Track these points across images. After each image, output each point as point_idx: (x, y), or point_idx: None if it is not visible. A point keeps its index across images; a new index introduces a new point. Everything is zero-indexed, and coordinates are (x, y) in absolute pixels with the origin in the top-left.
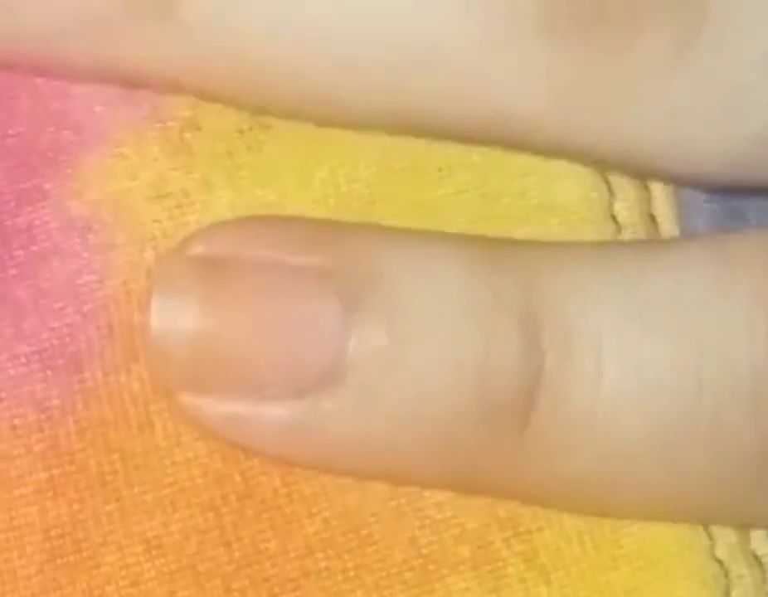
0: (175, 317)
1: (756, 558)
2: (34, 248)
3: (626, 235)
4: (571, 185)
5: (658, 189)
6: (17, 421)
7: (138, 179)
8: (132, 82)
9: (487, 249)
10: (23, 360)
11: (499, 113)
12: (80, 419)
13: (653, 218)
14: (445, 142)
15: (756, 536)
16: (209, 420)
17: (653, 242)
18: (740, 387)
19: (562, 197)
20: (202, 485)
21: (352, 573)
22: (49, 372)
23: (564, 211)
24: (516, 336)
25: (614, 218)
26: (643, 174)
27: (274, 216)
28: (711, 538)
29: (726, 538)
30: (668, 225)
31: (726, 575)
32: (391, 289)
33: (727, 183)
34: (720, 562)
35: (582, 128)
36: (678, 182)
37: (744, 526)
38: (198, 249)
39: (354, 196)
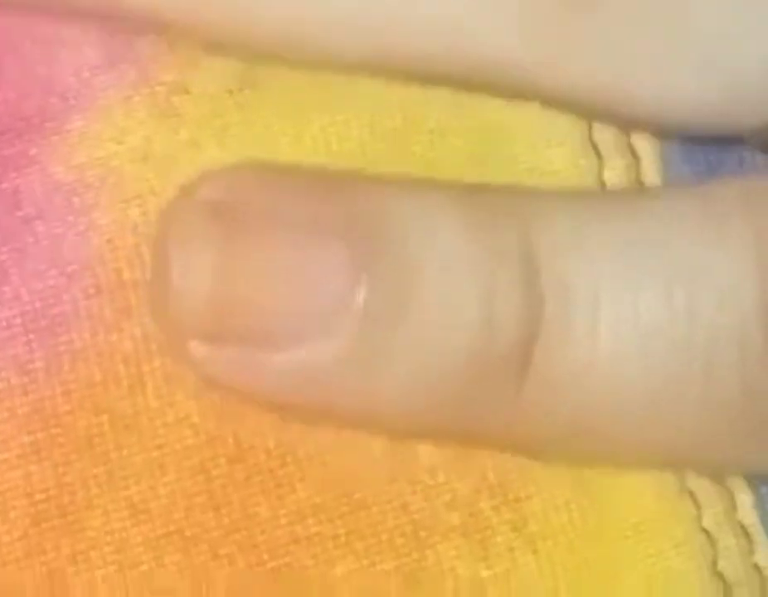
0: (194, 263)
1: (743, 528)
2: (19, 213)
3: None
4: (561, 151)
5: (647, 156)
6: None
7: (125, 143)
8: (119, 14)
9: (485, 200)
10: (4, 324)
11: (474, 55)
12: (66, 381)
13: (642, 185)
14: (437, 103)
15: (743, 505)
16: (215, 368)
17: (641, 191)
18: (728, 331)
19: (552, 164)
20: (193, 447)
21: (342, 539)
22: (32, 335)
23: (554, 177)
24: (517, 287)
25: (603, 185)
26: (619, 120)
27: (279, 167)
28: (698, 508)
29: (712, 508)
30: None
31: (713, 545)
32: (399, 242)
33: (702, 130)
34: (707, 532)
35: (555, 71)
36: (655, 128)
37: (729, 473)
38: (206, 193)
39: (345, 155)
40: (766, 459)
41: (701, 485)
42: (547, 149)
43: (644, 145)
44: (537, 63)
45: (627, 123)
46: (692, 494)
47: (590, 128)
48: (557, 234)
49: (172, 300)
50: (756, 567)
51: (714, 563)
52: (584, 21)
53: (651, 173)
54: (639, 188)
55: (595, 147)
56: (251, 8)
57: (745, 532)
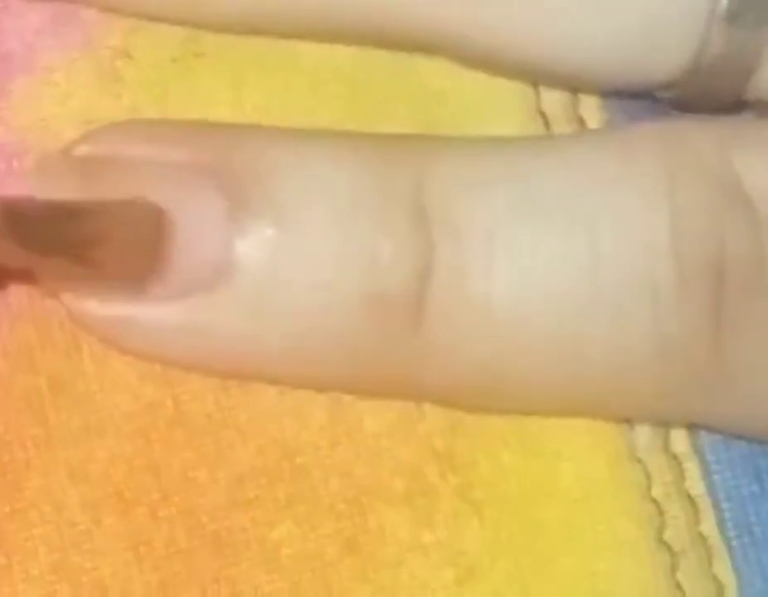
0: None
1: (690, 498)
2: None
3: None
4: (508, 120)
5: (594, 125)
6: None
7: (67, 106)
8: None
9: (377, 144)
10: None
11: (406, 17)
12: (5, 343)
13: None
14: (382, 71)
15: (691, 475)
16: (94, 323)
17: (546, 136)
18: (636, 274)
19: (499, 131)
20: (131, 411)
21: (283, 503)
22: None
23: None
24: (405, 229)
25: None
26: (536, 75)
27: (161, 119)
28: (648, 477)
29: (661, 477)
30: None
31: (661, 514)
32: (278, 185)
33: (616, 84)
34: (655, 502)
35: (463, 14)
36: (570, 82)
37: (638, 420)
38: (83, 149)
39: (286, 122)
40: (679, 409)
41: (651, 455)
42: (494, 118)
43: (592, 113)
44: (446, 18)
45: (540, 80)
46: (641, 463)
47: (538, 97)
48: (452, 175)
49: None
50: (702, 536)
51: (661, 532)
52: None
53: None
54: (552, 134)
55: (543, 115)
56: None
57: (692, 502)
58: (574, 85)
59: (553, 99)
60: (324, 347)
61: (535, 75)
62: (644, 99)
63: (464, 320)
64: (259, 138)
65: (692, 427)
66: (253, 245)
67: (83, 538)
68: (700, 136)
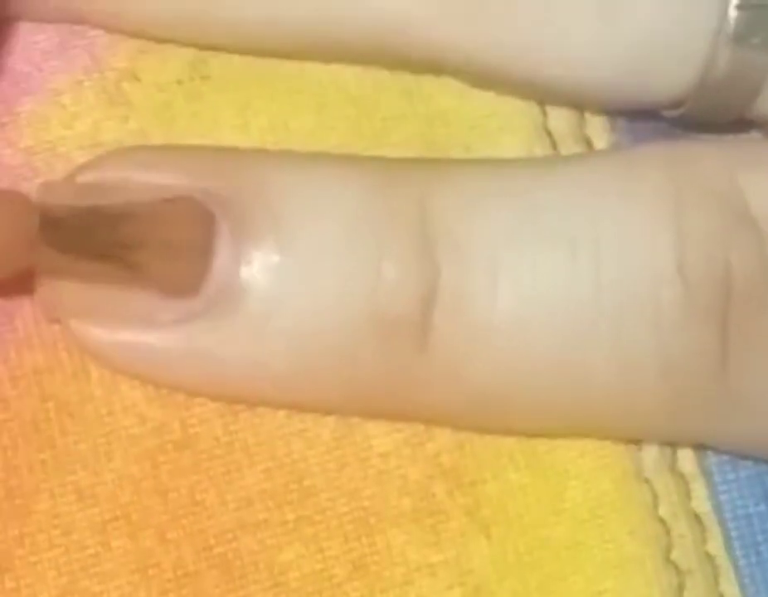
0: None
1: (697, 517)
2: None
3: None
4: (514, 139)
5: (601, 145)
6: None
7: (74, 128)
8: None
9: (381, 168)
10: None
11: (413, 38)
12: (13, 368)
13: None
14: (389, 91)
15: (698, 495)
16: (99, 350)
17: (550, 158)
18: (639, 297)
19: (506, 151)
20: (139, 434)
21: (291, 525)
22: None
23: None
24: (410, 252)
25: None
26: (535, 94)
27: (166, 145)
28: (654, 496)
29: (668, 496)
30: None
31: (668, 534)
32: (283, 211)
33: (617, 103)
34: (662, 521)
35: (467, 33)
36: (570, 101)
37: (646, 440)
38: (88, 175)
39: (294, 145)
40: (687, 429)
41: (658, 474)
42: (501, 137)
43: (599, 134)
44: (451, 25)
45: (547, 99)
46: (648, 482)
47: (544, 115)
48: (456, 199)
49: (44, 279)
50: (708, 556)
51: (668, 551)
52: None
53: None
54: (555, 156)
55: (549, 134)
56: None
57: (698, 521)
58: (580, 104)
59: (560, 118)
60: (329, 371)
61: (541, 94)
62: (651, 120)
63: (467, 343)
64: (264, 163)
65: (700, 447)
66: (258, 271)
67: (91, 561)
68: (706, 157)
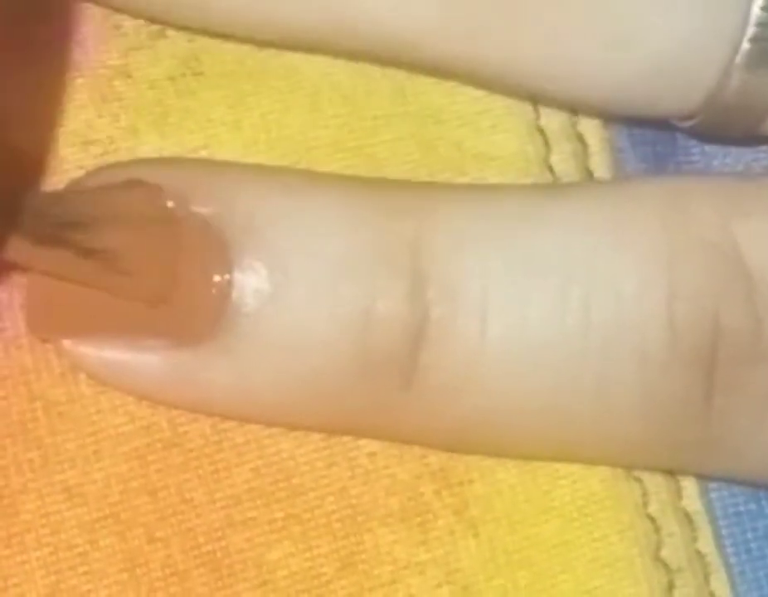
0: None
1: (687, 515)
2: None
3: None
4: (507, 137)
5: (595, 143)
6: None
7: (66, 126)
8: None
9: (373, 197)
10: None
11: (389, 33)
12: (0, 368)
13: (589, 172)
14: (381, 90)
15: (688, 493)
16: (89, 367)
17: (547, 188)
18: (627, 339)
19: (498, 149)
20: (128, 433)
21: (279, 523)
22: None
23: (501, 163)
24: (400, 288)
25: (551, 170)
26: (538, 98)
27: (153, 160)
28: (644, 494)
29: (658, 495)
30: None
31: (658, 532)
32: (272, 239)
33: (625, 112)
34: (652, 519)
35: (472, 48)
36: (573, 106)
37: (630, 469)
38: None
39: (286, 142)
40: (670, 467)
41: (648, 472)
42: (493, 135)
43: (592, 132)
44: (455, 39)
45: (548, 102)
46: (638, 481)
47: (537, 114)
48: (449, 233)
49: (32, 298)
50: (699, 554)
51: (657, 549)
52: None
53: (598, 159)
54: (550, 187)
55: (541, 132)
56: None
57: (689, 519)
58: (584, 114)
59: (552, 116)
60: (315, 402)
61: (544, 104)
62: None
63: (454, 378)
64: (254, 184)
65: None
66: (247, 300)
67: (80, 560)
68: (701, 203)
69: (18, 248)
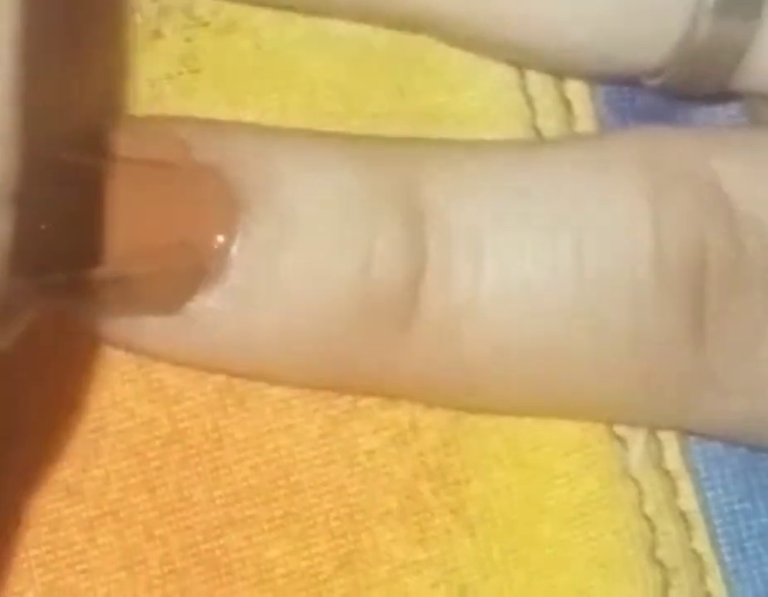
0: None
1: (682, 515)
2: None
3: None
4: (503, 136)
5: None
6: None
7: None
8: None
9: (375, 146)
10: None
11: None
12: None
13: None
14: (379, 87)
15: (684, 493)
16: (96, 324)
17: (534, 142)
18: (618, 277)
19: None
20: (127, 429)
21: (278, 522)
22: None
23: None
24: (399, 232)
25: None
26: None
27: (159, 117)
28: (640, 494)
29: (654, 494)
30: None
31: (653, 531)
32: (278, 185)
33: (599, 70)
34: (648, 519)
35: (456, 4)
36: (557, 68)
37: (628, 421)
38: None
39: None
40: (662, 408)
41: (644, 472)
42: (490, 134)
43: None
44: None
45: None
46: (634, 480)
47: (533, 113)
48: (445, 181)
49: None
50: (695, 553)
51: (653, 549)
52: None
53: None
54: (540, 139)
55: (538, 132)
56: None
57: (684, 519)
58: (559, 70)
59: (549, 117)
60: (315, 345)
61: (519, 58)
62: (639, 120)
63: (451, 322)
64: (260, 138)
65: (685, 444)
66: (251, 247)
67: (78, 558)
68: (680, 141)
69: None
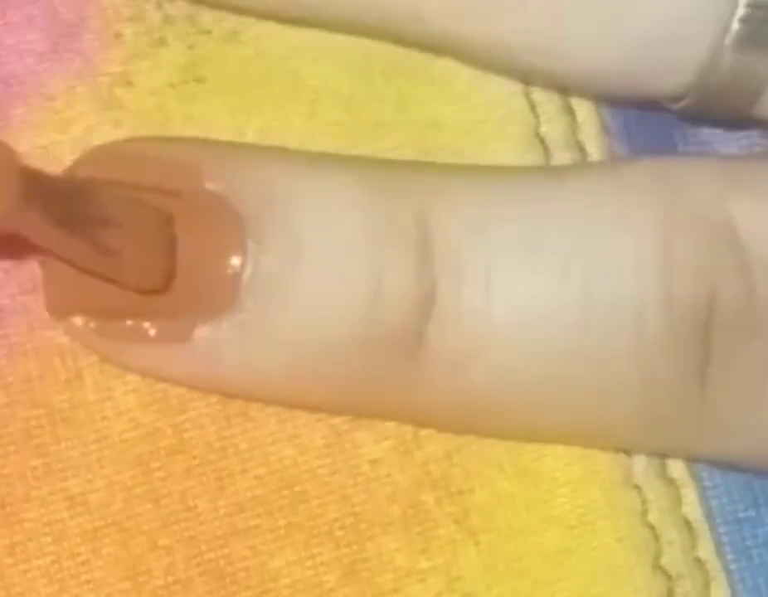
0: None
1: (687, 522)
2: None
3: None
4: (506, 145)
5: (595, 151)
6: None
7: (67, 133)
8: None
9: (384, 174)
10: None
11: (386, 4)
12: (4, 375)
13: None
14: (382, 98)
15: (688, 501)
16: (103, 345)
17: (549, 169)
18: (625, 314)
19: (498, 157)
20: (132, 439)
21: (282, 531)
22: None
23: None
24: (409, 262)
25: None
26: (526, 75)
27: (162, 138)
28: (644, 502)
29: (658, 502)
30: None
31: (657, 539)
32: (287, 215)
33: (610, 93)
34: (652, 527)
35: (465, 22)
36: (559, 84)
37: (630, 449)
38: (84, 173)
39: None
40: (666, 445)
41: (648, 481)
42: (493, 143)
43: (592, 140)
44: (450, 14)
45: (539, 81)
46: (638, 489)
47: (537, 121)
48: (455, 211)
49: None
50: (699, 561)
51: (657, 557)
52: None
53: None
54: (550, 167)
55: (541, 140)
56: None
57: (689, 527)
58: (580, 95)
59: (552, 125)
60: (324, 375)
61: (539, 82)
62: (645, 124)
63: (460, 356)
64: (269, 162)
65: None
66: (261, 275)
67: (82, 569)
68: (696, 179)
69: (39, 229)
